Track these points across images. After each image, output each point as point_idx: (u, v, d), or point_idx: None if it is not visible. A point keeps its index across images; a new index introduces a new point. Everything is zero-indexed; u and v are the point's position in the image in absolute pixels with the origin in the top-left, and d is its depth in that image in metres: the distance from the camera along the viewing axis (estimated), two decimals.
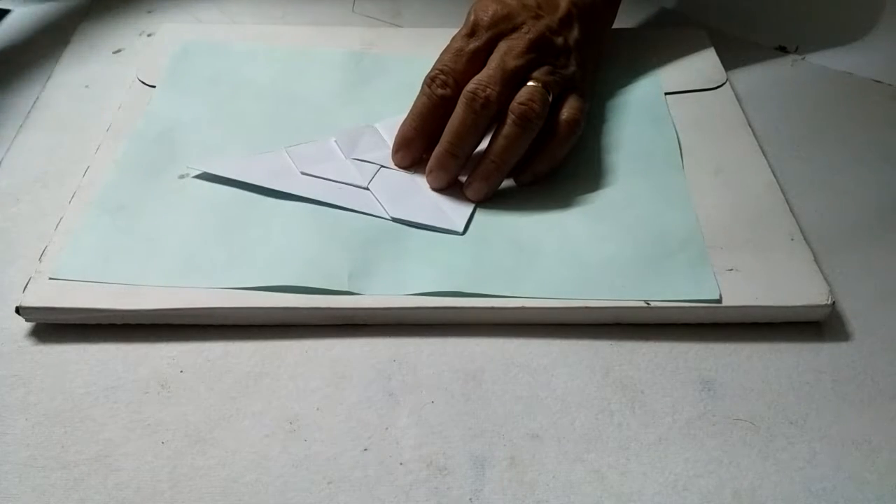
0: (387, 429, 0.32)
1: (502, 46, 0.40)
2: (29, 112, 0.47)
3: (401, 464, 0.31)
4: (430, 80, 0.40)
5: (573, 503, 0.30)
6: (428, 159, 0.40)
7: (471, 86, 0.39)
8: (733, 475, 0.30)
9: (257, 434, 0.31)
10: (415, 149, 0.41)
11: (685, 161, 0.43)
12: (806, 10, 0.55)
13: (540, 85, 0.39)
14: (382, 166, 0.41)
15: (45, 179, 0.42)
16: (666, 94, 0.47)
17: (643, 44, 0.51)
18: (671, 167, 0.42)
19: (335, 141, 0.43)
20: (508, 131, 0.39)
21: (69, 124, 0.46)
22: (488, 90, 0.38)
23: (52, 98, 0.48)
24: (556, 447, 0.31)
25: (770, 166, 0.42)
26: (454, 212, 0.39)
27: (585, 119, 0.42)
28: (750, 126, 0.45)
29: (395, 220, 0.39)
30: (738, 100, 0.47)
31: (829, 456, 0.31)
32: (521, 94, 0.39)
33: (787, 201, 0.40)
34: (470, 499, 0.30)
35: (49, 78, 0.49)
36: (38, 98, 0.48)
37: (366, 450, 0.31)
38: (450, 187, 0.40)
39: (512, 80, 0.39)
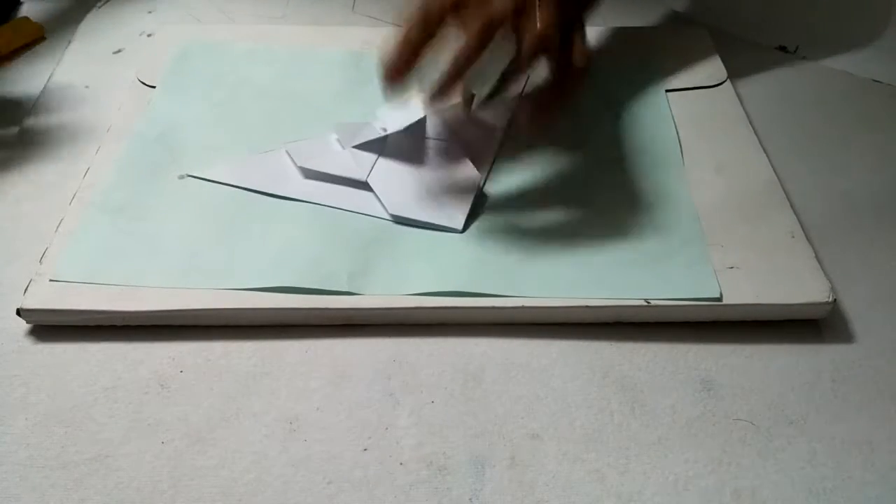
0: (387, 429, 0.32)
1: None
2: (29, 112, 0.47)
3: (401, 464, 0.31)
4: (445, 7, 0.37)
5: (573, 503, 0.30)
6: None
7: (479, 10, 0.36)
8: (733, 475, 0.30)
9: (257, 434, 0.31)
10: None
11: (686, 158, 0.43)
12: (806, 10, 0.55)
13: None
14: (380, 156, 0.41)
15: (46, 179, 0.42)
16: (667, 91, 0.47)
17: (644, 42, 0.52)
18: (672, 164, 0.42)
19: (334, 132, 0.42)
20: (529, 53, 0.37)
21: (69, 124, 0.46)
22: (500, 12, 0.36)
23: (52, 98, 0.48)
24: (556, 447, 0.31)
25: (771, 164, 0.42)
26: (454, 209, 0.39)
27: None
28: (751, 124, 0.45)
29: (394, 217, 0.39)
30: (739, 99, 0.47)
31: (829, 456, 0.31)
32: (535, 19, 0.36)
33: (788, 199, 0.40)
34: (470, 499, 0.30)
35: (50, 78, 0.50)
36: (38, 98, 0.48)
37: (366, 450, 0.31)
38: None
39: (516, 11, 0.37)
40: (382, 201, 0.39)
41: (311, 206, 0.39)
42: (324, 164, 0.41)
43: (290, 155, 0.41)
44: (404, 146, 0.41)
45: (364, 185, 0.40)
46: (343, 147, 0.42)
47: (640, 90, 0.47)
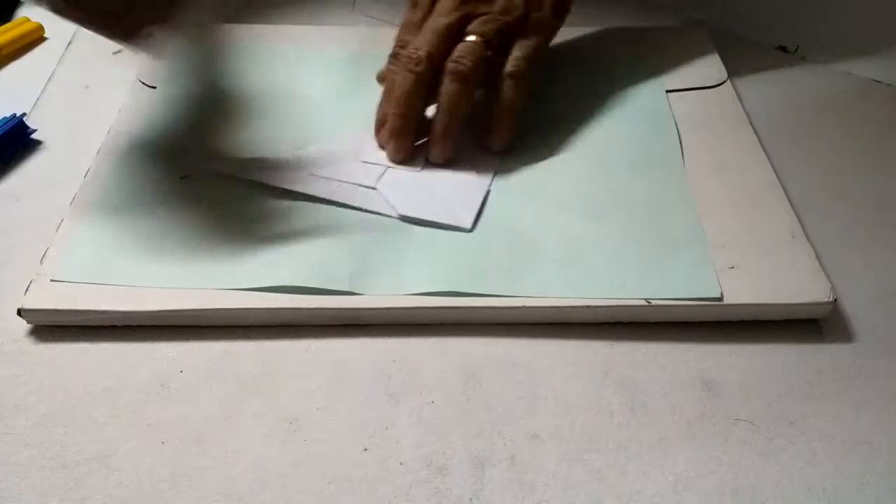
0: (387, 429, 0.32)
1: (436, 7, 0.42)
2: (29, 112, 0.47)
3: (401, 464, 0.31)
4: (392, 58, 0.42)
5: (573, 503, 0.30)
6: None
7: (406, 50, 0.41)
8: (733, 475, 0.30)
9: (257, 434, 0.31)
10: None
11: (686, 158, 0.43)
12: (806, 10, 0.55)
13: (475, 38, 0.40)
14: (389, 167, 0.42)
15: (46, 180, 0.42)
16: (667, 91, 0.47)
17: (644, 42, 0.52)
18: (672, 164, 0.42)
19: (342, 143, 0.43)
20: (447, 89, 0.40)
21: (70, 125, 0.46)
22: (420, 51, 0.40)
23: (52, 99, 0.48)
24: (556, 447, 0.31)
25: (771, 164, 0.42)
26: (462, 208, 0.39)
27: (539, 59, 0.42)
28: (751, 124, 0.45)
29: (402, 217, 0.39)
30: (739, 99, 0.47)
31: (829, 456, 0.31)
32: (454, 52, 0.40)
33: (788, 199, 0.40)
34: (470, 499, 0.30)
35: (50, 78, 0.50)
36: (38, 99, 0.48)
37: (366, 450, 0.31)
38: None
39: (445, 37, 0.41)
40: (391, 201, 0.39)
41: (311, 206, 0.39)
42: (332, 172, 0.41)
43: (299, 160, 0.42)
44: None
45: (373, 190, 0.40)
46: (352, 157, 0.42)
47: (640, 90, 0.47)
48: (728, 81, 0.48)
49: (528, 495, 0.30)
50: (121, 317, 0.34)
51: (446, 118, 0.41)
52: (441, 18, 0.41)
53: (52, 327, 0.35)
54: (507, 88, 0.41)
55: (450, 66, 0.40)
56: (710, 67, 0.49)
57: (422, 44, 0.40)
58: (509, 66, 0.41)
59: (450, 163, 0.42)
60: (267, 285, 0.35)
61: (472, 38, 0.40)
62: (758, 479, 0.30)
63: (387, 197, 0.40)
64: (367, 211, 0.39)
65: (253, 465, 0.30)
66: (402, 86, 0.40)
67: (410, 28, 0.42)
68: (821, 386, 0.33)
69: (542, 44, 0.43)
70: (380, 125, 0.43)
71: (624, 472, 0.30)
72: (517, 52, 0.41)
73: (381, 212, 0.39)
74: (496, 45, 0.41)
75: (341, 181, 0.41)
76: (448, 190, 0.40)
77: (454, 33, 0.41)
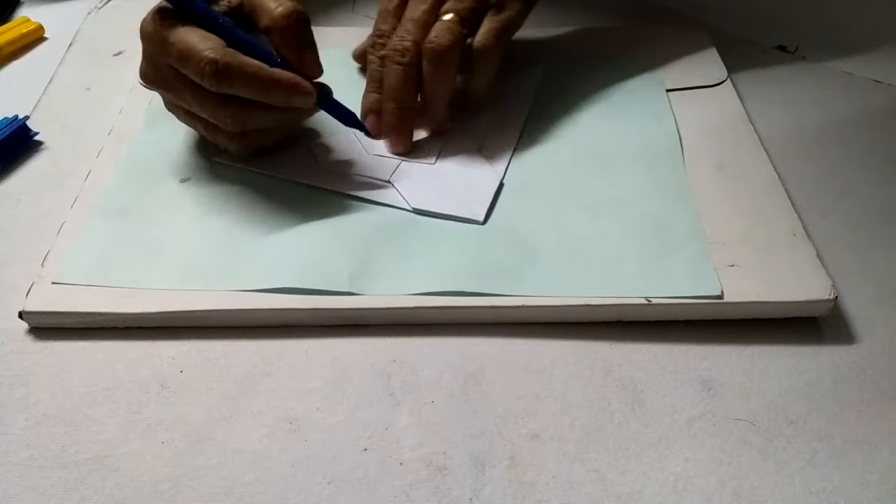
0: (387, 429, 0.32)
1: None
2: (30, 114, 0.47)
3: (401, 464, 0.31)
4: (370, 48, 0.43)
5: (573, 503, 0.30)
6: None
7: (389, 44, 0.42)
8: (733, 475, 0.30)
9: (257, 434, 0.31)
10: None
11: (686, 157, 0.43)
12: (806, 10, 0.55)
13: (451, 16, 0.41)
14: (403, 160, 0.42)
15: (47, 182, 0.42)
16: (667, 90, 0.47)
17: (644, 42, 0.52)
18: (672, 163, 0.42)
19: (356, 136, 0.43)
20: (427, 71, 0.41)
21: (70, 127, 0.46)
22: (404, 42, 0.41)
23: (53, 100, 0.48)
24: (556, 447, 0.31)
25: (771, 163, 0.42)
26: (475, 201, 0.39)
27: (509, 32, 0.43)
28: (751, 123, 0.45)
29: (416, 210, 0.39)
30: (739, 98, 0.47)
31: (829, 456, 0.31)
32: (431, 33, 0.41)
33: (789, 198, 0.40)
34: (470, 499, 0.30)
35: (51, 80, 0.50)
36: (39, 100, 0.48)
37: (366, 450, 0.31)
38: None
39: (425, 24, 0.41)
40: (404, 195, 0.40)
41: (311, 207, 0.39)
42: (347, 165, 0.41)
43: (313, 152, 0.42)
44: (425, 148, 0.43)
45: (387, 184, 0.41)
46: (366, 150, 0.42)
47: (640, 90, 0.47)
48: (728, 81, 0.48)
49: (528, 495, 0.30)
50: (122, 319, 0.34)
51: (430, 96, 0.42)
52: (418, 7, 0.42)
53: (52, 327, 0.35)
54: (477, 63, 0.42)
55: (427, 46, 0.40)
56: (710, 67, 0.49)
57: (404, 34, 0.41)
58: (476, 42, 0.42)
59: (462, 155, 0.42)
60: (267, 286, 0.35)
61: (447, 16, 0.41)
62: (758, 479, 0.30)
63: (400, 190, 0.40)
64: (380, 204, 0.39)
65: (253, 465, 0.30)
66: (392, 79, 0.41)
67: (387, 17, 0.43)
68: (821, 386, 0.33)
69: (512, 19, 0.43)
70: (365, 114, 0.43)
71: (624, 472, 0.30)
72: (485, 27, 0.42)
73: (395, 205, 0.39)
74: (472, 23, 0.42)
75: (355, 175, 0.41)
76: (461, 183, 0.41)
77: (433, 19, 0.42)
